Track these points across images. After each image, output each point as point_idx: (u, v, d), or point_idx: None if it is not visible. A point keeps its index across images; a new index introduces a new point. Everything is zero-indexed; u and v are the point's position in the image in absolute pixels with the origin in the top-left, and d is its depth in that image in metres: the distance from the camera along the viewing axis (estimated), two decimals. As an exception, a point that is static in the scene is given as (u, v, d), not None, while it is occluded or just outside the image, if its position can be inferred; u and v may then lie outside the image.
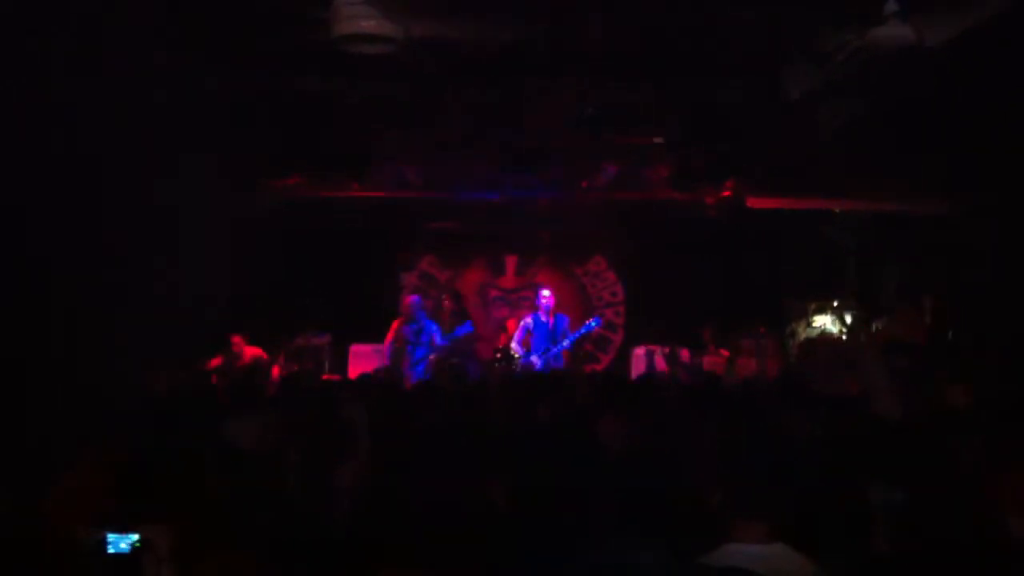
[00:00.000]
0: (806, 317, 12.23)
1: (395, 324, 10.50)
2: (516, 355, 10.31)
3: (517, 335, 10.50)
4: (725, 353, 10.59)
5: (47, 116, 5.48)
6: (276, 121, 8.44)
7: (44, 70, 5.42)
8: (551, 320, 10.34)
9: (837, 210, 10.85)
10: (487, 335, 12.08)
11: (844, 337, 11.50)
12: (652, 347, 10.76)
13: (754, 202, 10.58)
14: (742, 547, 2.93)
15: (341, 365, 10.92)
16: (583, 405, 5.39)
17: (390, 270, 12.68)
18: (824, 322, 12.15)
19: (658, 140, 9.48)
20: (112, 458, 3.69)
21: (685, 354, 10.18)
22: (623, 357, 12.17)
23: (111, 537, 2.87)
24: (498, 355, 11.02)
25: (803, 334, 12.19)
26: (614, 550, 2.42)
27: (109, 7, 5.61)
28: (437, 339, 10.24)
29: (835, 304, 12.08)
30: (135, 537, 2.89)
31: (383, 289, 12.36)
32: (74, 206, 5.83)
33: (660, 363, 10.09)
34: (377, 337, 10.67)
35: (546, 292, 10.58)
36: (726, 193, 10.79)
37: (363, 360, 10.65)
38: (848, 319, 11.93)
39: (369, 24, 5.59)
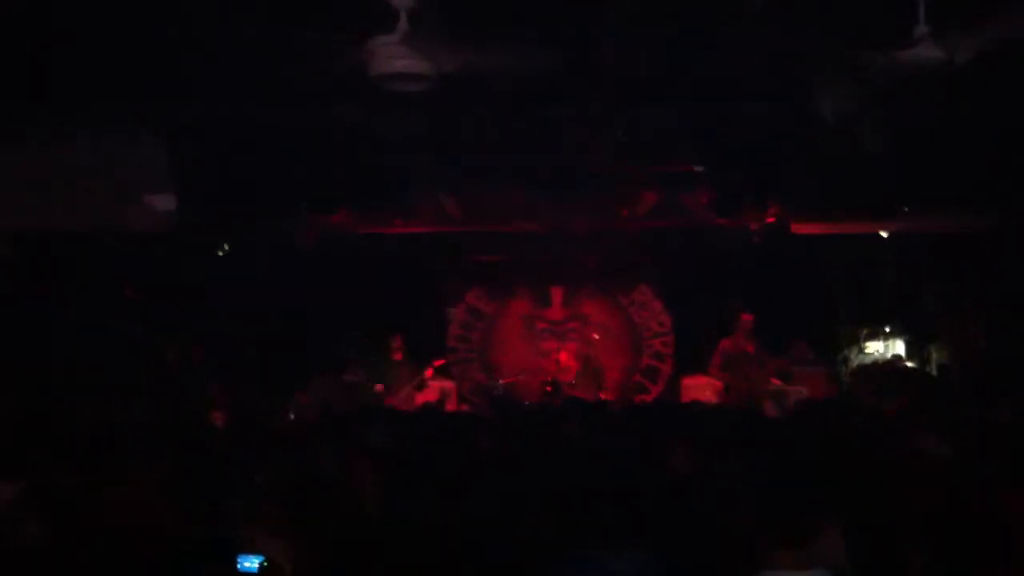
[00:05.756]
0: (858, 343, 12.03)
1: None
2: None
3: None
4: (776, 381, 10.43)
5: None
6: (316, 157, 8.58)
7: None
8: None
9: (884, 233, 10.67)
10: (533, 367, 12.07)
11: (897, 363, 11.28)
12: (702, 377, 10.68)
13: (799, 227, 10.46)
14: (778, 574, 2.90)
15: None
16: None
17: (436, 304, 12.74)
18: (877, 348, 11.93)
19: (698, 167, 9.40)
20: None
21: None
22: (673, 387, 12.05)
23: (240, 557, 3.05)
24: (548, 388, 11.01)
25: (856, 360, 11.99)
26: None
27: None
28: None
29: (887, 330, 11.86)
30: (262, 557, 3.07)
31: (430, 324, 12.39)
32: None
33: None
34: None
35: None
36: (770, 219, 10.68)
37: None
38: (901, 344, 11.71)
39: (404, 63, 5.66)
